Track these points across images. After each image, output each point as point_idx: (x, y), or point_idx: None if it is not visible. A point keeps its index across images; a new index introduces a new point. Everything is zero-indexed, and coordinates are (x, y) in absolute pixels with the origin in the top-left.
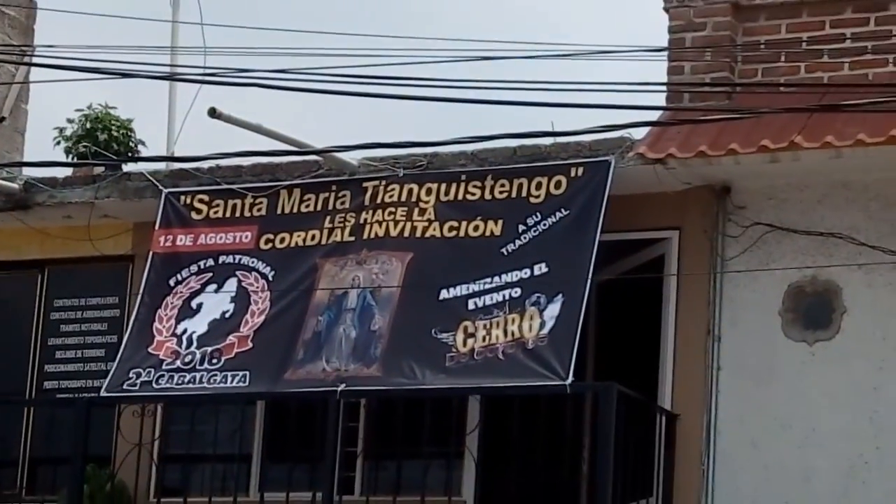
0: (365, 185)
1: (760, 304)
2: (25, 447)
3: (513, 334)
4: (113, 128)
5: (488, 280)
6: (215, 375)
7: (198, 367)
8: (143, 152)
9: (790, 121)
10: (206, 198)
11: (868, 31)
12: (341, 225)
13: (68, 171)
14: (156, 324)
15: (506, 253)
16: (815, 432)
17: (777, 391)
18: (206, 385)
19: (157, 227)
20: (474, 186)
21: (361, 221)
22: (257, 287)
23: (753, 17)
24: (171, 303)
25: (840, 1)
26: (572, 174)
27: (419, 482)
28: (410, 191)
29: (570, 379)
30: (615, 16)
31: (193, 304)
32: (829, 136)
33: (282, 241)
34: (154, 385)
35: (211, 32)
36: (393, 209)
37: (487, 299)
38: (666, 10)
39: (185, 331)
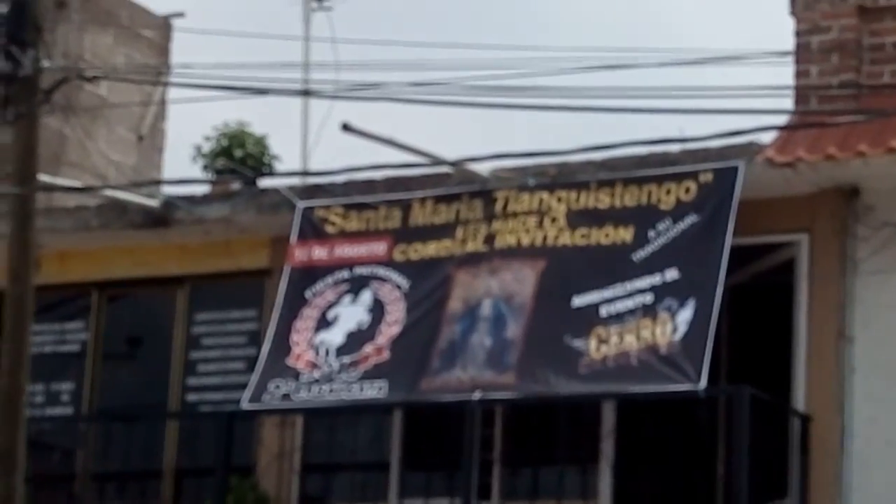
0: (495, 195)
1: (892, 304)
2: (170, 459)
3: (645, 340)
4: (248, 144)
5: (620, 286)
6: (353, 385)
7: (335, 377)
8: (278, 168)
9: None
10: (340, 211)
11: None
12: (473, 235)
13: (206, 188)
14: (293, 336)
15: (637, 259)
16: None
17: None
18: (343, 395)
19: (293, 240)
20: (604, 194)
21: (493, 231)
22: (392, 297)
23: (879, 18)
24: (308, 314)
25: None
26: (701, 180)
27: (555, 487)
28: (541, 200)
29: (704, 383)
30: (740, 20)
31: (329, 315)
32: None
33: (415, 251)
34: (293, 396)
35: (343, 48)
36: (524, 218)
37: (620, 306)
38: (792, 13)
39: (322, 342)
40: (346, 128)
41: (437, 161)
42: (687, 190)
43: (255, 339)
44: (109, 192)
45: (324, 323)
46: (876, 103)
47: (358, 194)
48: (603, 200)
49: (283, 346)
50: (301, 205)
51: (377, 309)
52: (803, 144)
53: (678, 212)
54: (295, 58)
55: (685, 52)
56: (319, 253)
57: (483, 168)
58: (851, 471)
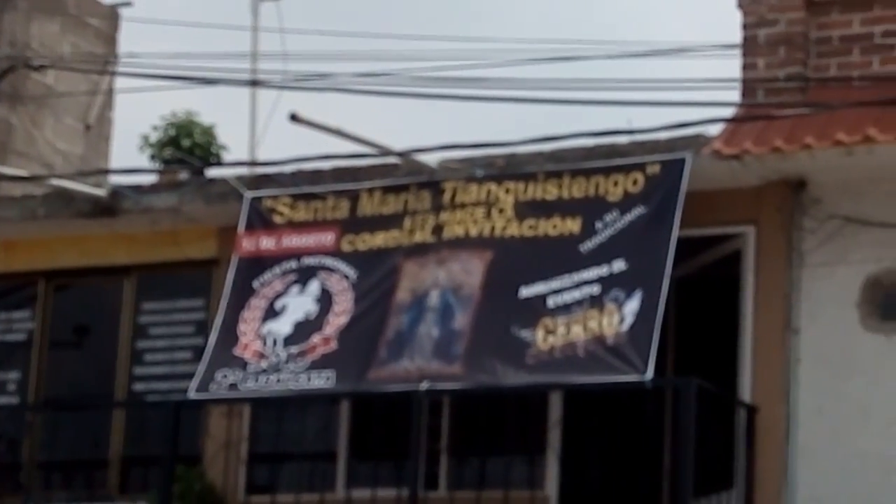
0: (444, 185)
1: (838, 296)
2: (117, 448)
3: (592, 331)
4: (196, 134)
5: (567, 277)
6: (300, 375)
7: (283, 367)
8: (226, 158)
9: (864, 114)
10: (288, 201)
11: None
12: (421, 226)
13: (153, 178)
14: (241, 326)
15: (584, 251)
16: (895, 423)
17: (856, 383)
18: (291, 385)
19: (240, 230)
20: (552, 185)
21: (441, 222)
22: (340, 288)
23: (826, 11)
24: (256, 305)
25: None
26: (648, 171)
27: (502, 477)
28: (489, 191)
29: (651, 374)
30: (687, 12)
31: (277, 305)
32: None
33: (363, 242)
34: (241, 386)
35: (291, 38)
36: (472, 209)
37: (567, 297)
38: (739, 6)
39: (269, 332)
40: (294, 118)
41: (386, 152)
42: (634, 182)
43: (203, 328)
44: (56, 182)
45: (271, 313)
46: (823, 96)
47: (306, 184)
48: (551, 192)
49: (230, 336)
50: (249, 195)
51: (325, 299)
52: (750, 137)
53: (625, 203)
54: (243, 48)
55: (633, 45)
56: (267, 243)
57: (431, 159)
58: (796, 461)
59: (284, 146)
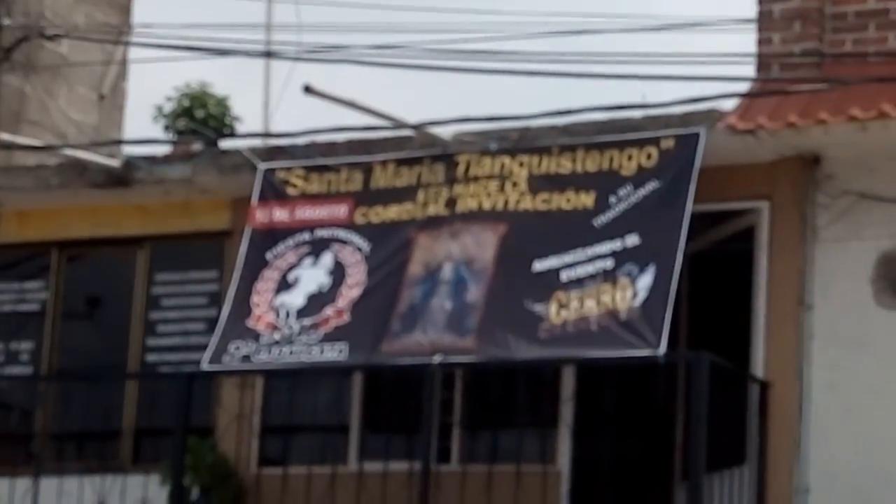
0: (457, 158)
1: (851, 272)
2: (129, 420)
3: (605, 305)
4: (210, 105)
5: (581, 252)
6: (313, 348)
7: (296, 339)
8: (240, 129)
9: (879, 90)
10: (301, 173)
11: None
12: (435, 198)
13: (167, 149)
14: (253, 297)
15: (598, 225)
16: None
17: (869, 359)
18: (304, 358)
19: (254, 202)
20: (566, 159)
21: (454, 195)
22: (353, 260)
23: None
24: (269, 276)
25: None
26: (663, 146)
27: (514, 451)
28: (502, 164)
29: (663, 349)
30: None
31: (290, 277)
32: None
33: (376, 214)
34: (253, 358)
35: (306, 9)
36: (485, 182)
37: (580, 271)
38: None
39: (282, 304)
40: (309, 90)
41: (400, 124)
42: (648, 156)
43: (216, 300)
44: (70, 152)
45: (284, 285)
46: (838, 72)
47: (319, 156)
48: (564, 165)
49: (243, 307)
50: (262, 166)
51: (338, 271)
52: (765, 112)
53: (639, 178)
54: (258, 19)
55: (647, 18)
56: (280, 215)
57: (445, 132)
58: (809, 437)
59: (298, 118)
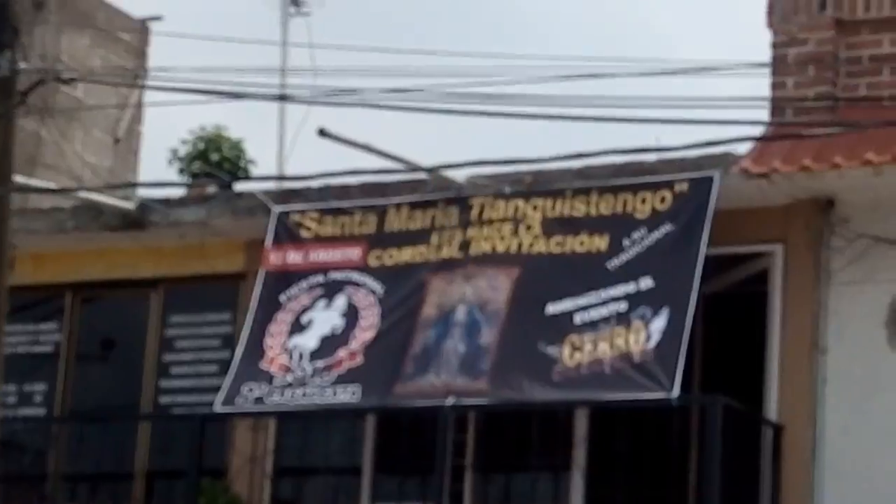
0: (471, 202)
1: (865, 316)
2: (141, 462)
3: (619, 348)
4: (224, 148)
5: (594, 294)
6: (326, 390)
7: (309, 381)
8: (254, 172)
9: (894, 134)
10: (315, 216)
11: None
12: (448, 241)
13: (182, 191)
14: (267, 339)
15: (611, 268)
16: None
17: (883, 402)
18: (317, 400)
19: (268, 244)
20: (579, 202)
21: (468, 238)
22: (367, 303)
23: (856, 31)
24: (282, 318)
25: None
26: (677, 189)
27: (527, 494)
28: (516, 207)
29: (677, 392)
30: (718, 31)
31: (304, 319)
32: None
33: (390, 257)
34: (266, 400)
35: (321, 53)
36: (499, 225)
37: (594, 313)
38: (769, 25)
39: (296, 346)
40: (323, 133)
41: (414, 167)
42: (662, 199)
43: (229, 342)
44: (85, 194)
45: (298, 327)
46: (852, 116)
47: (334, 199)
48: (578, 208)
49: (256, 349)
50: (276, 209)
51: (351, 314)
52: (779, 156)
53: (653, 221)
54: (272, 62)
55: (663, 63)
56: (294, 257)
57: (459, 175)
58: (823, 480)
59: (313, 161)
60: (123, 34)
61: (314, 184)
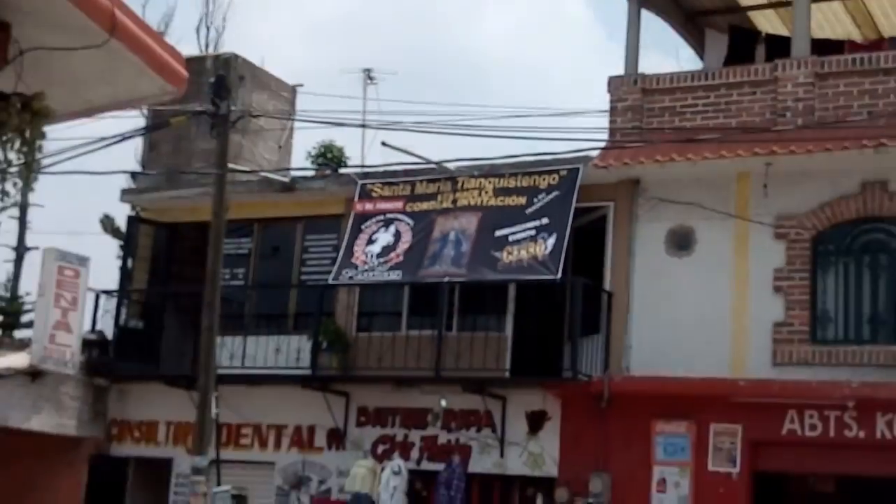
0: (458, 179)
1: (655, 237)
2: (292, 306)
3: (531, 253)
4: (334, 150)
5: (519, 226)
6: (384, 273)
7: (375, 269)
8: (349, 163)
9: (670, 147)
10: (379, 185)
11: None
12: (446, 199)
13: (312, 172)
14: (354, 247)
15: (528, 213)
16: (685, 306)
17: (663, 282)
18: (379, 278)
19: (355, 200)
20: (512, 179)
21: (456, 198)
22: (405, 230)
23: (652, 93)
24: (362, 237)
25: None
26: (561, 174)
27: (485, 324)
28: (480, 182)
29: (560, 275)
30: (588, 81)
31: (373, 238)
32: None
33: (417, 207)
34: (354, 278)
35: (381, 104)
36: (471, 192)
37: (518, 236)
38: (608, 91)
39: (369, 251)
40: (384, 144)
41: (429, 161)
42: (553, 178)
43: (336, 248)
44: (264, 173)
45: (370, 241)
46: (650, 136)
47: (389, 177)
48: (511, 183)
49: (349, 252)
50: (360, 182)
51: (397, 235)
52: (612, 157)
53: (548, 189)
54: (356, 107)
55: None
56: (368, 206)
57: (452, 166)
58: (633, 321)
59: (378, 157)
60: (283, 92)
61: (379, 169)
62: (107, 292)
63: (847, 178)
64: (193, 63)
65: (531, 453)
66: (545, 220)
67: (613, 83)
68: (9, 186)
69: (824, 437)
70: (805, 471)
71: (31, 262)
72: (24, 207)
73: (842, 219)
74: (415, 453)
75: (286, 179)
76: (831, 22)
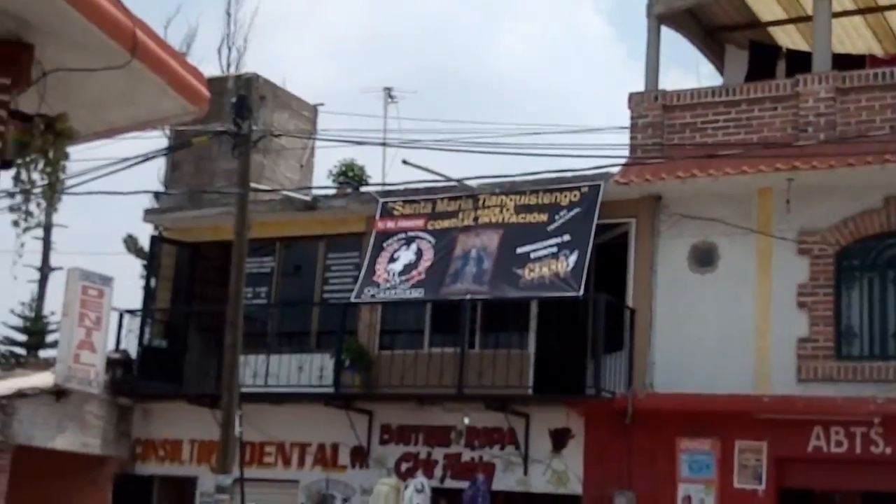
0: (479, 196)
1: (677, 253)
2: (315, 325)
3: (553, 270)
4: (355, 169)
5: (541, 244)
6: (406, 291)
7: (397, 287)
8: (370, 181)
9: (691, 163)
10: (401, 203)
11: None
12: (468, 216)
13: (334, 191)
14: (376, 265)
15: (549, 230)
16: (705, 322)
17: (687, 298)
18: (401, 296)
19: (377, 218)
20: (533, 196)
21: (477, 215)
22: (427, 248)
23: (672, 110)
24: (384, 255)
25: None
26: (582, 190)
27: (507, 341)
28: (501, 200)
29: (582, 291)
30: (610, 97)
31: (395, 256)
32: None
33: (439, 224)
34: (376, 296)
35: (401, 122)
36: (493, 209)
37: (541, 253)
38: (629, 107)
39: (390, 269)
40: (405, 162)
41: (450, 179)
42: (575, 195)
43: (358, 266)
44: (285, 192)
45: (392, 259)
46: (671, 153)
47: (410, 195)
48: (532, 200)
49: (371, 270)
50: (381, 199)
51: (419, 253)
52: (633, 173)
53: (570, 206)
54: (378, 125)
55: (584, 126)
56: (390, 224)
57: (473, 183)
58: (655, 337)
59: (399, 176)
60: (304, 112)
61: (400, 187)
62: (130, 312)
63: (870, 193)
64: (215, 83)
65: (555, 471)
66: (567, 237)
67: (634, 100)
68: (32, 207)
69: (850, 454)
70: (831, 488)
71: (55, 282)
72: (47, 228)
73: (865, 234)
74: (438, 471)
75: (308, 198)
76: (852, 37)
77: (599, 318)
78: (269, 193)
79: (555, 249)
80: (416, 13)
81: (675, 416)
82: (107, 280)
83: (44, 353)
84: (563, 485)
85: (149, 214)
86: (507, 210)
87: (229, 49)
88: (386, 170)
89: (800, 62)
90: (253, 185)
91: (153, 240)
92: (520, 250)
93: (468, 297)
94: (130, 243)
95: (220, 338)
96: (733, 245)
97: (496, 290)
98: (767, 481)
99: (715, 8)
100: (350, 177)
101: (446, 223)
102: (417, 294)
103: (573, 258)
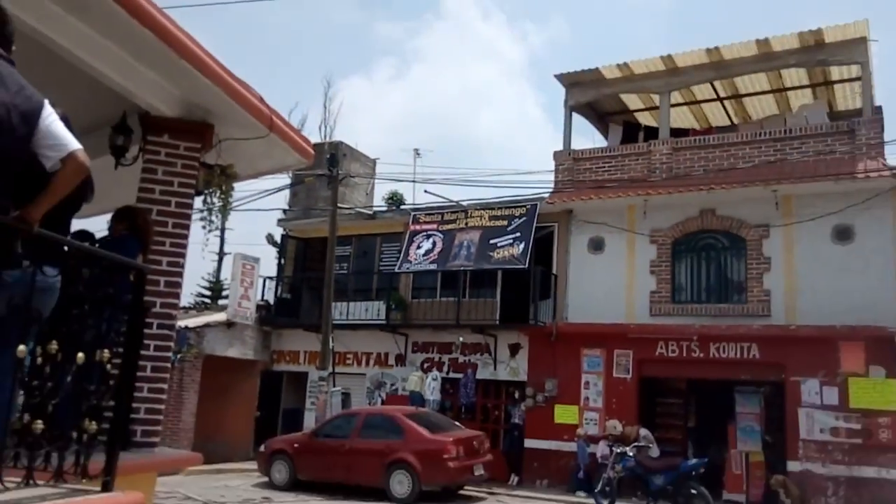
0: (468, 211)
1: (583, 243)
2: (376, 282)
3: (511, 253)
4: (396, 195)
5: (502, 238)
6: (427, 265)
7: (422, 263)
8: (406, 202)
9: (594, 191)
10: (424, 215)
11: None
12: (461, 222)
13: (385, 208)
14: (409, 251)
15: (508, 230)
16: (603, 286)
17: (589, 266)
18: (423, 268)
19: (409, 223)
20: (497, 210)
21: (467, 221)
22: (438, 241)
23: (579, 160)
24: (413, 245)
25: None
26: (527, 207)
27: (486, 294)
28: (480, 213)
29: (527, 265)
30: (539, 147)
31: (420, 245)
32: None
33: (446, 227)
34: (410, 268)
35: (428, 169)
36: (476, 218)
37: (503, 243)
38: (554, 158)
39: (416, 254)
40: (426, 191)
41: (451, 201)
42: (523, 210)
43: (399, 252)
44: (357, 209)
45: (418, 247)
46: (580, 186)
47: (429, 211)
48: (498, 212)
49: (406, 254)
50: (412, 213)
51: (434, 244)
52: (557, 198)
53: (520, 216)
54: (410, 170)
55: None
56: (417, 227)
57: (465, 204)
58: (567, 294)
59: (424, 200)
60: (368, 162)
61: (424, 206)
62: (269, 278)
63: (692, 208)
64: (317, 147)
65: (512, 368)
66: (518, 234)
67: (557, 155)
68: (213, 218)
69: (679, 357)
70: (669, 376)
71: (226, 261)
72: (222, 230)
73: (689, 231)
74: (445, 368)
75: (370, 213)
76: (682, 118)
77: (537, 279)
78: (348, 210)
79: (511, 241)
80: (431, 104)
81: (580, 335)
82: (256, 260)
83: (221, 302)
84: (516, 375)
85: (280, 222)
86: (484, 219)
87: (325, 126)
88: (415, 196)
89: (652, 133)
90: (339, 205)
91: (283, 237)
92: (491, 241)
93: (462, 268)
94: (270, 239)
95: (320, 293)
96: (613, 239)
97: (478, 264)
98: (632, 373)
99: (603, 102)
100: (395, 200)
101: (449, 226)
102: (433, 267)
103: (521, 246)
